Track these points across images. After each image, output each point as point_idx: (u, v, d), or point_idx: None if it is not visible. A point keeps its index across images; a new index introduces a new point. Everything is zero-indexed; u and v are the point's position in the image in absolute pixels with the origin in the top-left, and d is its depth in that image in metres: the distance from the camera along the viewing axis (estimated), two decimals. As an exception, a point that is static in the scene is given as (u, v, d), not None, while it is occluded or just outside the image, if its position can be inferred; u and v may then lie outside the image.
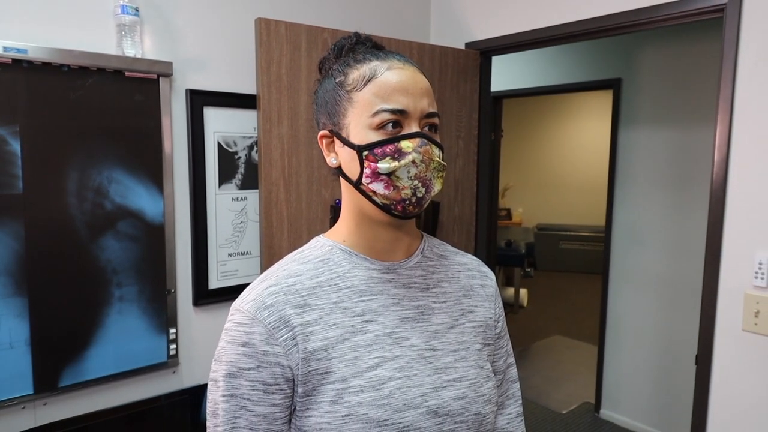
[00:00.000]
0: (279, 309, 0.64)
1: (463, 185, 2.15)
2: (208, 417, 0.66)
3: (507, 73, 3.50)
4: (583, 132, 6.64)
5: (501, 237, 5.64)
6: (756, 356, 1.48)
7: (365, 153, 0.66)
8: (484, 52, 2.15)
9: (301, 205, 1.71)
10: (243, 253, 1.81)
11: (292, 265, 0.70)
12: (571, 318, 4.91)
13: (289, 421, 0.65)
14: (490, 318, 0.78)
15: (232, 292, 1.76)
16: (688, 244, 2.73)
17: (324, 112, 0.72)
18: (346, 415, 0.62)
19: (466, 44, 2.18)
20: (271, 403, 0.63)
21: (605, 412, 3.13)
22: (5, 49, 1.31)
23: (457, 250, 0.83)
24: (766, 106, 1.43)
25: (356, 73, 0.68)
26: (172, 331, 1.65)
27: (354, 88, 0.68)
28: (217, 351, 0.66)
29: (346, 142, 0.68)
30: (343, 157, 0.69)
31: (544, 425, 3.04)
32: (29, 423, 1.42)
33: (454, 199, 2.12)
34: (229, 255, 1.78)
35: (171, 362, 1.65)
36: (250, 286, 0.69)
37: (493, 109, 3.05)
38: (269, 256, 1.64)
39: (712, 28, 2.61)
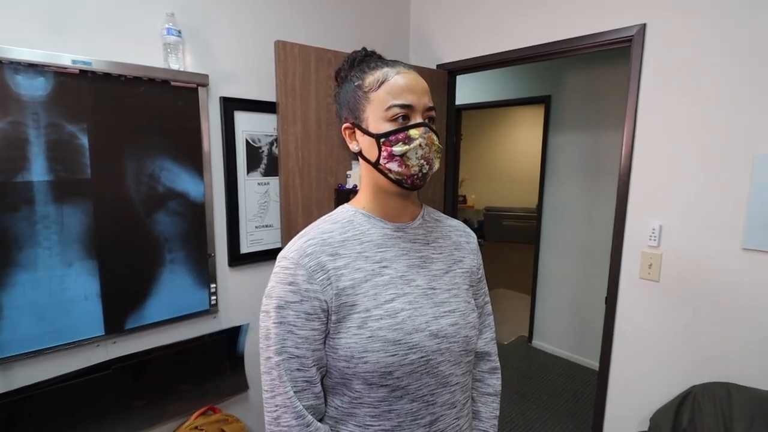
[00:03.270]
0: (317, 257, 0.63)
1: (433, 176, 2.14)
2: (261, 340, 0.64)
3: (465, 91, 3.49)
4: (521, 136, 6.68)
5: (459, 216, 5.67)
6: (649, 297, 1.53)
7: (382, 140, 0.65)
8: (451, 71, 2.13)
9: (311, 188, 1.69)
10: (266, 226, 1.78)
11: (324, 224, 0.69)
12: (511, 275, 5.00)
13: (324, 342, 0.65)
14: (474, 266, 0.79)
15: (259, 256, 1.74)
16: (597, 218, 2.81)
17: (346, 108, 0.70)
18: (369, 337, 0.62)
19: (437, 65, 2.15)
20: (311, 328, 0.62)
21: (536, 342, 3.22)
22: (74, 61, 1.25)
23: (448, 216, 0.83)
24: (661, 113, 1.46)
25: (371, 78, 0.67)
26: (213, 285, 1.62)
27: (370, 89, 0.66)
28: (267, 290, 0.64)
29: (366, 132, 0.67)
30: (363, 143, 0.68)
31: (491, 354, 3.11)
32: (102, 357, 1.40)
33: (427, 186, 2.12)
34: (256, 227, 1.75)
35: (212, 309, 1.63)
36: (291, 241, 0.67)
37: (455, 118, 3.04)
38: (288, 229, 1.62)
39: (622, 55, 2.64)
